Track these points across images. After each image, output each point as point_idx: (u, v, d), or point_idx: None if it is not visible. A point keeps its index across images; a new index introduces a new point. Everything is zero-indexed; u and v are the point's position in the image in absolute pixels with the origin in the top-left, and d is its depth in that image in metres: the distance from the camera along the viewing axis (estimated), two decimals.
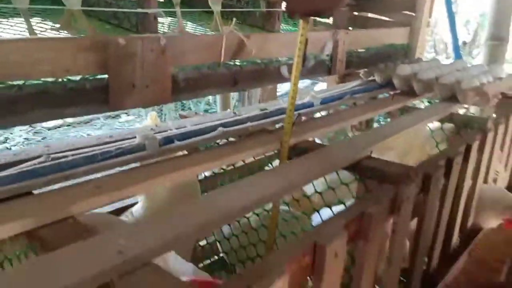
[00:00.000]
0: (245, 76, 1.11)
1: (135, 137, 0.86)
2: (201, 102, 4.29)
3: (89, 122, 4.04)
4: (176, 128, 0.94)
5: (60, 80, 0.75)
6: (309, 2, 0.76)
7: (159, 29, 1.44)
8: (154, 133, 0.89)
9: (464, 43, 7.32)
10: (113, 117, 4.23)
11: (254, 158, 1.08)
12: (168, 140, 0.85)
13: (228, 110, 1.18)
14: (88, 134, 3.74)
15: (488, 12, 2.50)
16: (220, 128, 0.93)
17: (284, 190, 0.72)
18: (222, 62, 1.04)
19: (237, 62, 1.08)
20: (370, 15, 1.96)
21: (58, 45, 0.73)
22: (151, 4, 1.20)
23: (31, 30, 1.03)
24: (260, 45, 1.11)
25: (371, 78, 1.55)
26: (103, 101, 0.82)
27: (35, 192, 0.65)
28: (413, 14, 1.80)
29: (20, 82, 0.70)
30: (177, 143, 0.85)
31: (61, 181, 0.67)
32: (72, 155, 0.73)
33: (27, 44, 0.70)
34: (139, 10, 1.21)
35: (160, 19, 1.58)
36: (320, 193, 0.97)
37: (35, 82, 0.72)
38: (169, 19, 1.62)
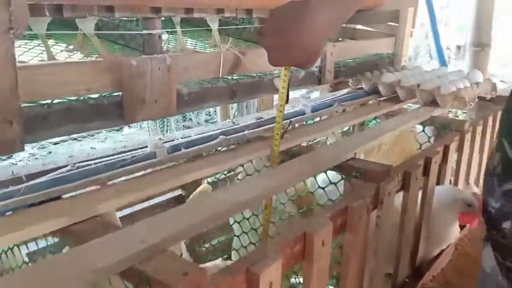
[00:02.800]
0: (242, 88, 1.22)
1: (146, 146, 0.98)
2: (201, 112, 4.44)
3: (92, 135, 4.15)
4: (182, 138, 1.06)
5: (82, 98, 0.86)
6: (289, 58, 0.85)
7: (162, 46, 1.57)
8: (163, 143, 1.01)
9: (458, 47, 7.47)
10: (117, 130, 4.35)
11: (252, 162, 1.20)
12: (175, 148, 0.97)
13: (228, 120, 1.29)
14: (92, 148, 3.84)
15: (471, 18, 2.63)
16: (221, 136, 1.05)
17: (271, 191, 0.84)
18: (221, 76, 1.15)
19: (235, 76, 1.20)
20: (357, 26, 2.08)
21: (80, 68, 0.85)
22: (155, 25, 1.33)
23: (50, 53, 1.15)
24: (254, 60, 1.23)
25: (359, 86, 1.67)
26: (119, 115, 0.93)
27: (65, 196, 0.76)
28: (397, 24, 1.92)
29: (49, 101, 0.81)
30: (183, 150, 0.96)
31: (87, 186, 0.78)
32: (94, 163, 0.84)
33: (55, 68, 0.81)
34: (145, 31, 1.33)
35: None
36: (312, 192, 1.08)
37: (62, 100, 0.83)
38: (169, 36, 1.75)
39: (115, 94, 0.92)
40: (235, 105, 2.50)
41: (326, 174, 1.06)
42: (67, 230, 0.69)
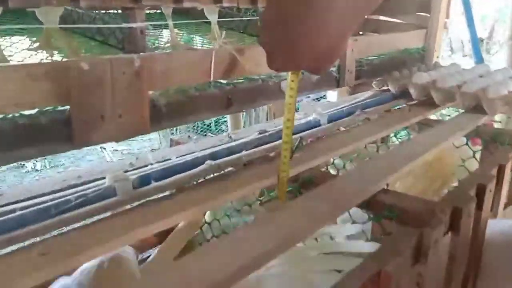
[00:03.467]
0: (241, 95, 0.97)
1: (103, 178, 0.73)
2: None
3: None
4: (158, 162, 0.81)
5: (8, 116, 0.62)
6: (295, 61, 0.61)
7: (151, 43, 1.33)
8: (129, 170, 0.76)
9: (481, 39, 7.07)
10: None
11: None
12: (144, 180, 0.72)
13: (224, 133, 1.04)
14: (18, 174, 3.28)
15: (510, 9, 2.32)
16: (208, 161, 0.80)
17: (279, 248, 0.58)
18: (212, 80, 0.90)
19: (231, 81, 0.95)
20: (381, 18, 1.81)
21: (6, 75, 0.61)
22: (136, 18, 1.08)
23: (1, 55, 0.92)
24: (256, 59, 0.97)
25: (384, 87, 1.40)
26: (66, 138, 0.69)
27: None
28: (428, 15, 1.64)
29: None
30: (154, 184, 0.72)
31: (3, 246, 0.54)
32: (22, 208, 0.60)
33: None
34: (124, 25, 1.09)
35: (153, 32, 1.46)
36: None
37: None
38: (165, 31, 1.50)
39: (60, 109, 0.68)
40: None
41: (349, 213, 0.80)
42: None
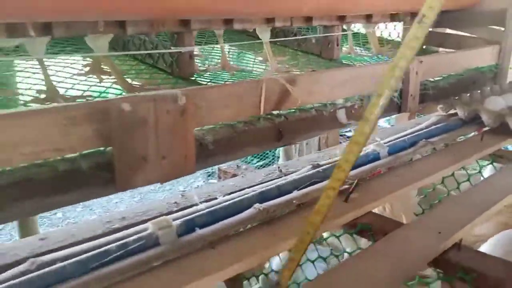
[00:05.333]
0: (292, 127, 0.90)
1: (152, 218, 0.69)
2: None
3: None
4: (203, 202, 0.76)
5: (49, 162, 0.59)
6: None
7: (201, 63, 1.29)
8: (173, 212, 0.72)
9: None
10: None
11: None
12: (189, 226, 0.67)
13: (274, 165, 0.98)
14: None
15: None
16: (256, 205, 0.73)
17: None
18: (262, 114, 0.84)
19: (282, 112, 0.88)
20: (448, 31, 1.67)
21: (44, 120, 0.58)
22: (185, 41, 1.05)
23: (48, 81, 0.91)
24: (309, 88, 0.90)
25: (451, 111, 1.27)
26: (108, 181, 0.65)
27: None
28: (502, 28, 1.49)
29: None
30: (198, 232, 0.66)
31: None
32: (62, 259, 0.56)
33: (4, 123, 0.55)
34: (172, 49, 1.06)
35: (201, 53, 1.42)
36: None
37: (17, 168, 0.57)
38: (212, 50, 1.47)
39: (101, 152, 0.64)
40: None
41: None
42: None
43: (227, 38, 1.52)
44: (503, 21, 1.48)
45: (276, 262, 1.04)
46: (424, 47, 1.73)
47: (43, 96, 0.90)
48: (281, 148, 2.15)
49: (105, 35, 0.95)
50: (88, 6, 0.71)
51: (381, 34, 1.93)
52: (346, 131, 3.14)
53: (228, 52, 1.45)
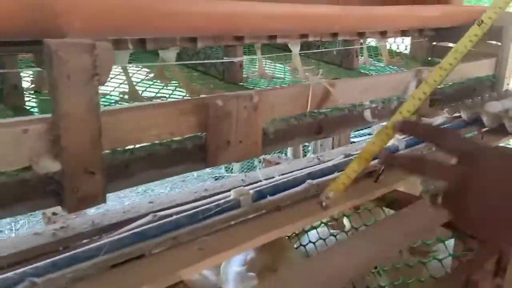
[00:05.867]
0: (330, 123, 1.11)
1: (228, 190, 0.90)
2: None
3: None
4: (265, 179, 0.97)
5: (165, 142, 0.80)
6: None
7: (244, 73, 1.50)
8: (245, 185, 0.93)
9: None
10: None
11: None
12: (260, 195, 0.88)
13: (312, 155, 1.19)
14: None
15: None
16: (309, 181, 0.94)
17: (385, 254, 0.71)
18: (308, 111, 1.05)
19: (322, 110, 1.09)
20: (450, 45, 1.89)
21: (164, 110, 0.79)
22: (237, 53, 1.26)
23: (131, 86, 1.12)
24: (344, 91, 1.11)
25: (456, 114, 1.49)
26: (201, 159, 0.86)
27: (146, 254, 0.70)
28: (499, 43, 1.71)
29: (131, 147, 0.76)
30: (268, 198, 0.87)
31: (169, 243, 0.71)
32: (176, 213, 0.77)
33: (139, 112, 0.76)
34: (226, 59, 1.27)
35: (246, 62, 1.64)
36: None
37: (144, 146, 0.78)
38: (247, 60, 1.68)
39: (199, 136, 0.85)
40: None
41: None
42: None
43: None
44: (499, 37, 1.70)
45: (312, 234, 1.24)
46: (429, 58, 1.95)
47: (126, 96, 1.12)
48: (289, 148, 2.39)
49: (176, 48, 1.17)
50: (194, 27, 0.93)
51: (391, 47, 2.15)
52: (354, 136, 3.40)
53: (265, 64, 1.66)
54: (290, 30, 1.22)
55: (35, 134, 0.63)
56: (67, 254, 0.64)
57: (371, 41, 2.04)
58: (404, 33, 1.76)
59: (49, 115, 0.65)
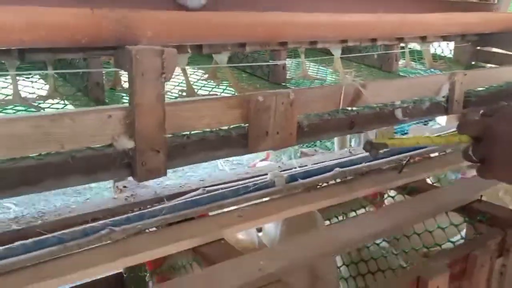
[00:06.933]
0: (361, 119, 1.24)
1: (266, 174, 1.06)
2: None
3: None
4: (299, 167, 1.12)
5: (214, 130, 0.98)
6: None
7: (288, 74, 1.66)
8: (281, 171, 1.08)
9: None
10: None
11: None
12: (293, 178, 1.03)
13: (345, 149, 1.32)
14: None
15: None
16: (337, 169, 1.08)
17: (393, 229, 0.84)
18: (340, 109, 1.19)
19: (354, 107, 1.22)
20: (494, 49, 1.93)
21: (214, 104, 0.96)
22: (281, 56, 1.42)
23: (189, 85, 1.31)
24: (376, 91, 1.24)
25: None
26: (244, 146, 1.02)
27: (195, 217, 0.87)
28: None
29: (188, 133, 0.94)
30: (300, 181, 1.02)
31: (215, 209, 0.88)
32: (222, 188, 0.94)
33: (194, 104, 0.94)
34: (271, 62, 1.43)
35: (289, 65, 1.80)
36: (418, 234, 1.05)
37: (197, 132, 0.96)
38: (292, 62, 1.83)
39: (242, 126, 1.01)
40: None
41: (447, 215, 1.01)
42: (197, 250, 0.79)
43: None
44: None
45: None
46: (473, 63, 2.00)
47: (184, 94, 1.31)
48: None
49: (227, 52, 1.35)
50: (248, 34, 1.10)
51: (435, 51, 2.21)
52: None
53: (309, 67, 1.81)
54: (328, 36, 1.36)
55: (117, 119, 0.83)
56: (136, 212, 0.82)
57: (414, 46, 2.12)
58: (445, 38, 1.83)
59: (127, 105, 0.84)
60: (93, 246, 0.74)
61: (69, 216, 0.84)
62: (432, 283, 0.73)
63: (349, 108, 1.22)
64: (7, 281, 0.65)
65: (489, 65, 1.96)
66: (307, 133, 1.14)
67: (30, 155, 0.76)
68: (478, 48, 1.98)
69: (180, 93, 1.33)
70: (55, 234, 0.74)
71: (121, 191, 1.03)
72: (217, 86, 1.45)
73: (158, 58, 0.81)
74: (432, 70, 1.89)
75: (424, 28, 1.59)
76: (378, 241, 1.13)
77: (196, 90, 1.39)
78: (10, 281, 0.65)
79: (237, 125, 1.02)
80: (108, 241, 0.75)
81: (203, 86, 1.41)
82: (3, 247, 0.69)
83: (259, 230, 1.17)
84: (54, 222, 0.81)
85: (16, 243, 0.71)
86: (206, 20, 1.03)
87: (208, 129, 0.97)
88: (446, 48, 2.20)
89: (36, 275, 0.68)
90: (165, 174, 0.88)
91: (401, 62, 1.89)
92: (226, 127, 1.00)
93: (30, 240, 0.72)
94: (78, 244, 0.74)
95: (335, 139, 2.94)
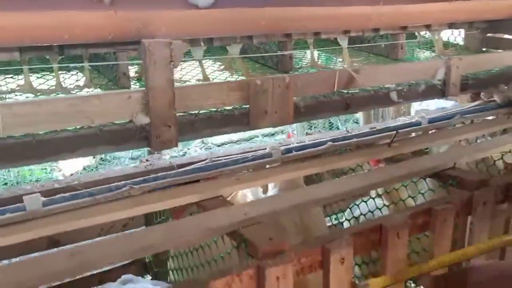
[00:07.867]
0: (356, 101, 1.37)
1: (266, 148, 1.22)
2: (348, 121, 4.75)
3: (250, 139, 4.83)
4: (297, 143, 1.27)
5: (219, 109, 1.15)
6: None
7: (297, 62, 1.81)
8: (279, 145, 1.24)
9: None
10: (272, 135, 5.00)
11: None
12: (288, 150, 1.18)
13: (344, 128, 1.45)
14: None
15: None
16: (329, 143, 1.22)
17: (369, 188, 0.98)
18: (335, 91, 1.33)
19: (350, 90, 1.36)
20: (506, 36, 1.99)
21: (218, 87, 1.13)
22: (287, 47, 1.58)
23: (204, 74, 1.49)
24: (370, 76, 1.37)
25: (491, 98, 1.63)
26: (246, 123, 1.19)
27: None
28: None
29: (196, 112, 1.12)
30: (294, 153, 1.17)
31: (217, 174, 1.06)
32: (225, 159, 1.11)
33: (201, 88, 1.12)
34: (279, 53, 1.59)
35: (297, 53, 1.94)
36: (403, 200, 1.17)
37: (204, 111, 1.13)
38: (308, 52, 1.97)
39: (244, 107, 1.18)
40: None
41: (425, 181, 1.14)
42: (200, 204, 0.97)
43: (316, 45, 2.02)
44: None
45: None
46: (483, 49, 2.06)
47: (200, 82, 1.49)
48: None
49: (239, 44, 1.51)
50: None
51: (448, 39, 2.28)
52: None
53: (319, 54, 1.94)
54: (329, 28, 1.50)
55: (135, 99, 1.02)
56: (153, 175, 1.01)
57: (425, 33, 2.20)
58: (451, 26, 1.91)
59: (143, 88, 1.03)
60: (116, 198, 0.93)
61: (100, 179, 1.03)
62: (392, 231, 0.86)
63: (345, 91, 1.36)
64: (51, 220, 0.86)
65: (499, 50, 2.02)
66: (304, 113, 1.29)
67: (67, 128, 0.96)
68: (489, 34, 2.04)
69: (197, 82, 1.52)
70: (88, 189, 0.94)
71: (143, 162, 1.22)
72: (231, 76, 1.62)
73: (167, 49, 1.00)
74: (441, 56, 1.97)
75: (424, 17, 1.69)
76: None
77: (212, 79, 1.57)
78: (54, 219, 0.87)
79: (239, 105, 1.18)
80: (127, 196, 0.94)
81: (219, 75, 1.59)
82: (48, 198, 0.90)
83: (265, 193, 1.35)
84: (89, 182, 1.01)
85: (57, 195, 0.91)
86: (213, 17, 1.20)
87: (214, 109, 1.15)
88: (458, 36, 2.26)
89: (73, 216, 0.88)
90: (176, 145, 1.06)
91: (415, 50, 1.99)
92: (229, 108, 1.17)
93: (68, 193, 0.93)
94: (105, 197, 0.93)
95: (361, 117, 3.23)
